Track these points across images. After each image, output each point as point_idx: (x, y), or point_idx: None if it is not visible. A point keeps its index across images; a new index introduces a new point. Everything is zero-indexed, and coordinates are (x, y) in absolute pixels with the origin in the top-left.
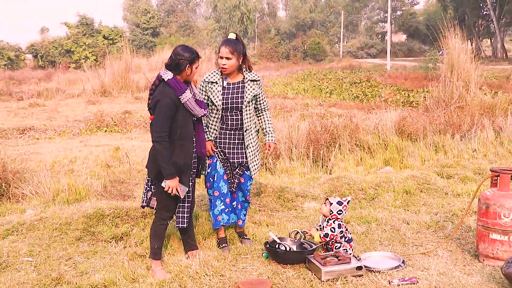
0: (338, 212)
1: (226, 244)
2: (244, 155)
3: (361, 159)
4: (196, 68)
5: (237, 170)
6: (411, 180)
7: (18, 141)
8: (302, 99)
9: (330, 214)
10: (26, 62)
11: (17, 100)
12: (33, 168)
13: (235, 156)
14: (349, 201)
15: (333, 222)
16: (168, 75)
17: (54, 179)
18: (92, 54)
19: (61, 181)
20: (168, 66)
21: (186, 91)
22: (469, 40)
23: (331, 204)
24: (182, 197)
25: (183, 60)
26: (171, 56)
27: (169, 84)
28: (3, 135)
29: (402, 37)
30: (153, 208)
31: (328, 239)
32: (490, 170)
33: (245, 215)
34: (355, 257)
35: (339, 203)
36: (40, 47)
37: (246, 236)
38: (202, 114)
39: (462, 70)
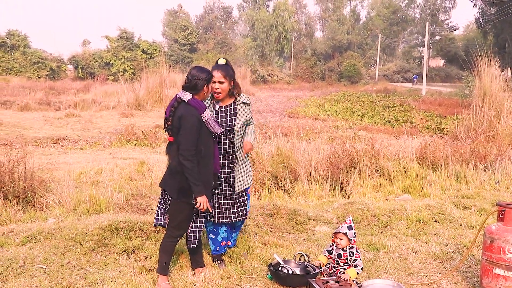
0: (354, 236)
1: (221, 261)
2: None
3: (380, 185)
4: (211, 86)
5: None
6: (425, 209)
7: (51, 150)
8: (333, 121)
9: (350, 242)
10: (67, 73)
11: (54, 110)
12: (59, 178)
13: (227, 178)
14: (352, 220)
15: (356, 251)
16: (187, 96)
17: (77, 190)
18: (130, 68)
19: (83, 192)
20: (186, 88)
21: (206, 110)
22: (509, 68)
23: (345, 234)
24: (211, 211)
25: (201, 81)
26: (187, 77)
27: (190, 104)
28: (38, 144)
29: (440, 62)
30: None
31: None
32: (497, 204)
33: (236, 234)
34: (357, 284)
35: (350, 227)
36: (81, 58)
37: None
38: (220, 132)
39: (494, 99)
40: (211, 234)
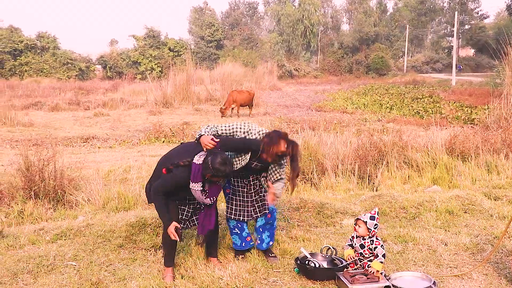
0: (375, 227)
1: (244, 256)
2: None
3: (408, 177)
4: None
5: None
6: (455, 200)
7: (80, 149)
8: (361, 114)
9: (369, 232)
10: (96, 73)
11: (83, 110)
12: (88, 176)
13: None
14: (378, 212)
15: (376, 238)
16: (198, 161)
17: (106, 188)
18: (157, 66)
19: (112, 190)
20: (203, 159)
21: (197, 184)
22: None
23: (365, 222)
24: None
25: (208, 170)
26: (211, 156)
27: (190, 167)
28: (68, 143)
29: (470, 52)
30: None
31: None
32: None
33: (268, 236)
34: (385, 276)
35: (372, 218)
36: (109, 58)
37: (272, 253)
38: (208, 203)
39: None
40: (236, 229)
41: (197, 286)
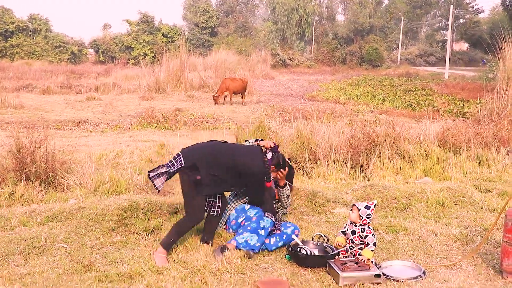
0: (367, 216)
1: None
2: None
3: (400, 168)
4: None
5: None
6: (446, 192)
7: (72, 133)
8: (354, 105)
9: (361, 219)
10: (88, 57)
11: (75, 93)
12: (80, 159)
13: None
14: (375, 204)
15: (367, 227)
16: (268, 156)
17: (98, 171)
18: (150, 51)
19: (104, 174)
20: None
21: None
22: None
23: (359, 209)
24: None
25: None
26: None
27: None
28: (59, 127)
29: (463, 46)
30: (155, 187)
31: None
32: None
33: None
34: (376, 265)
35: (367, 207)
36: (102, 42)
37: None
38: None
39: None
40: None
41: (189, 270)
